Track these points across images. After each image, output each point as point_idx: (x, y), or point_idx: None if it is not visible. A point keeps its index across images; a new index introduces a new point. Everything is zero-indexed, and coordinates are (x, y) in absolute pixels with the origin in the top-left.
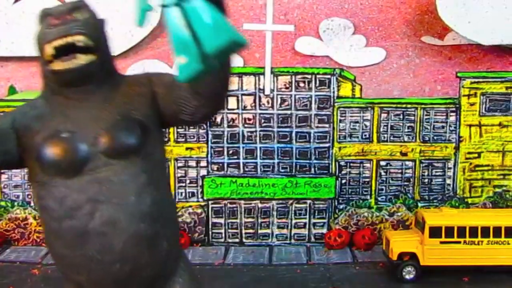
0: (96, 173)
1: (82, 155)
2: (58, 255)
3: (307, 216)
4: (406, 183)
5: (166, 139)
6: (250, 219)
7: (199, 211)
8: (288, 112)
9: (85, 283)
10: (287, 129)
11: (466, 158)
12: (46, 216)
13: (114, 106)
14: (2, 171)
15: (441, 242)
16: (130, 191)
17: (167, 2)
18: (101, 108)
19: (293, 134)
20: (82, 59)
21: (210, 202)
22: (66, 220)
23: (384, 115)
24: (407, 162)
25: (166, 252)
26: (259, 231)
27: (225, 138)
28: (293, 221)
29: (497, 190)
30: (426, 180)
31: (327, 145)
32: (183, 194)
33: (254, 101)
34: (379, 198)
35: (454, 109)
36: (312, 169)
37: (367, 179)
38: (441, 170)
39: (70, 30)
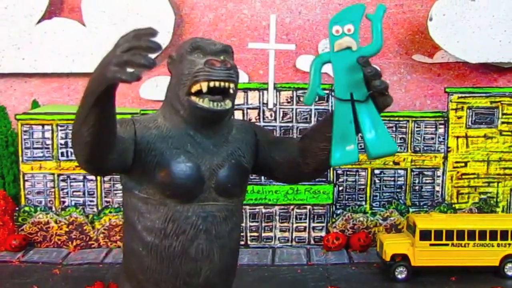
0: (205, 205)
1: (200, 186)
2: (143, 266)
3: (307, 221)
4: (398, 190)
5: None
6: (254, 223)
7: None
8: (290, 124)
9: None
10: None
11: (454, 167)
12: (145, 229)
13: (229, 149)
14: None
15: (431, 245)
16: (226, 228)
17: (342, 96)
18: (220, 148)
19: None
20: (228, 105)
21: None
22: (168, 239)
23: None
24: (399, 171)
25: (231, 282)
26: (263, 234)
27: None
28: (294, 225)
29: (482, 196)
30: (417, 188)
31: None
32: None
33: (258, 114)
34: (374, 204)
35: (442, 122)
36: None
37: (362, 187)
38: (431, 178)
39: (230, 76)
